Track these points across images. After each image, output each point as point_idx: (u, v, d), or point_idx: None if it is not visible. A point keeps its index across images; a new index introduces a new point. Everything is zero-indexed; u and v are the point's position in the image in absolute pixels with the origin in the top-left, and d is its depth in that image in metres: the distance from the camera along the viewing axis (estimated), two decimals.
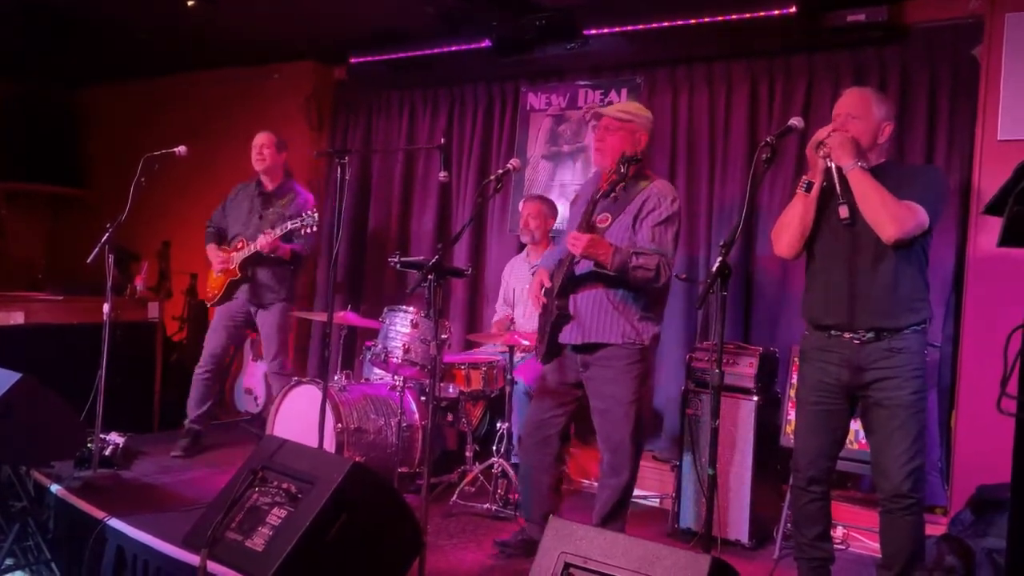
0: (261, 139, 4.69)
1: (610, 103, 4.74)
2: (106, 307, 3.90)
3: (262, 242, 4.42)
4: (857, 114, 2.76)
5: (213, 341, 4.71)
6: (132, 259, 5.59)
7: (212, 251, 4.71)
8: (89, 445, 3.92)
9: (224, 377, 4.91)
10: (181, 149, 4.50)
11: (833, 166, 2.69)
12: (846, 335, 2.75)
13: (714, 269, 2.42)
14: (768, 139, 2.51)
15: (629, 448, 3.21)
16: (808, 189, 2.76)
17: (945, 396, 3.84)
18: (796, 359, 3.64)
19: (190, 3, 4.55)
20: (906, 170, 2.85)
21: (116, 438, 4.26)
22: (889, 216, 2.61)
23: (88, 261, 4.03)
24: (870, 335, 2.71)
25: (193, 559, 2.58)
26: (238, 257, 4.56)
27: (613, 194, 3.18)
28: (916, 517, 2.74)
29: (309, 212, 4.31)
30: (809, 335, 2.90)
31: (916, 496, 2.71)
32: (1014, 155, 3.51)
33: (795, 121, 2.67)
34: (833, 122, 2.77)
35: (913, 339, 2.71)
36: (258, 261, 4.55)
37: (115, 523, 3.21)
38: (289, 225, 4.35)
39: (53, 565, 3.28)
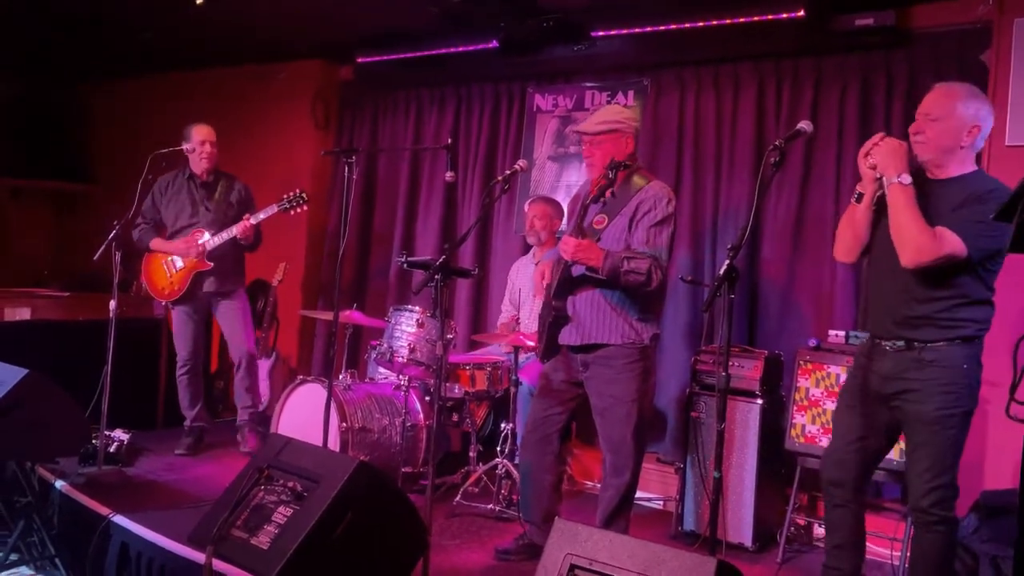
0: (207, 134, 4.60)
1: (617, 103, 4.76)
2: (112, 304, 3.91)
3: (242, 227, 4.38)
4: (937, 114, 2.57)
5: (185, 342, 4.66)
6: (139, 255, 5.60)
7: (164, 244, 4.60)
8: (94, 442, 3.93)
9: (205, 372, 4.87)
10: (188, 147, 4.52)
11: (883, 177, 2.58)
12: (883, 343, 2.69)
13: (721, 272, 2.42)
14: (777, 142, 2.51)
15: (631, 448, 3.21)
16: (859, 200, 2.70)
17: None
18: (801, 362, 3.66)
19: (199, 1, 4.55)
20: (976, 187, 2.58)
21: (121, 435, 4.26)
22: (907, 243, 2.50)
23: (95, 258, 4.04)
24: (900, 344, 2.63)
25: (198, 556, 2.58)
26: (209, 246, 4.48)
27: (603, 199, 3.19)
28: (939, 535, 2.61)
29: (297, 192, 4.28)
30: (864, 341, 2.85)
31: (939, 514, 2.59)
32: (1022, 160, 3.53)
33: (804, 125, 2.65)
34: (915, 122, 2.63)
35: (948, 351, 2.57)
36: (223, 250, 4.51)
37: (119, 520, 3.21)
38: (276, 208, 4.34)
39: (57, 561, 3.29)
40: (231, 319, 4.67)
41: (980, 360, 2.63)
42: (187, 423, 4.71)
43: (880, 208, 2.68)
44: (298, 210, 4.33)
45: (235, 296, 4.65)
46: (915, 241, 2.49)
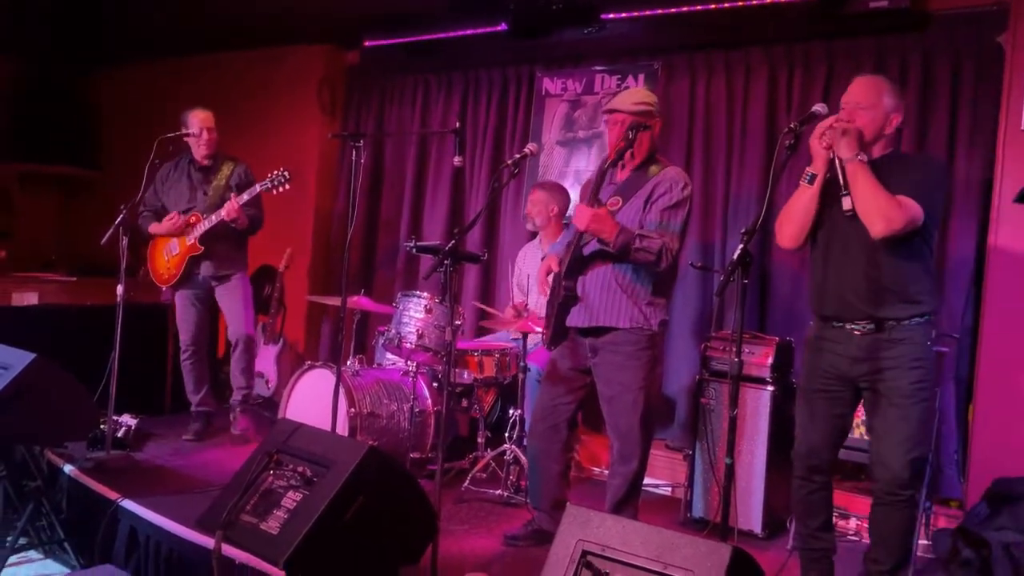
0: (204, 120, 4.56)
1: (626, 88, 4.71)
2: (119, 289, 3.89)
3: (229, 208, 4.34)
4: (866, 104, 2.71)
5: (188, 326, 4.65)
6: (145, 241, 5.58)
7: (157, 227, 4.58)
8: (102, 426, 3.93)
9: (211, 356, 4.87)
10: (187, 132, 4.50)
11: (836, 157, 2.66)
12: (847, 326, 2.73)
13: (736, 256, 2.40)
14: (792, 125, 2.50)
15: (638, 435, 3.20)
16: (811, 181, 2.74)
17: (963, 388, 3.80)
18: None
19: None
20: (906, 162, 2.81)
21: (129, 420, 4.26)
22: (878, 213, 2.58)
23: (102, 243, 4.03)
24: (871, 326, 2.69)
25: (207, 541, 2.57)
26: (199, 230, 4.46)
27: (621, 162, 3.17)
28: (911, 511, 2.72)
29: (279, 171, 4.26)
30: (814, 325, 2.89)
31: (913, 489, 2.69)
32: None
33: (819, 107, 2.66)
34: (841, 111, 2.72)
35: (915, 330, 2.69)
36: (217, 233, 4.47)
37: (128, 504, 3.20)
38: (259, 188, 4.31)
39: (66, 544, 3.29)
40: (229, 301, 4.64)
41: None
42: (193, 408, 4.71)
43: (825, 192, 2.74)
44: (281, 189, 4.28)
45: (233, 279, 4.61)
46: (884, 210, 2.58)
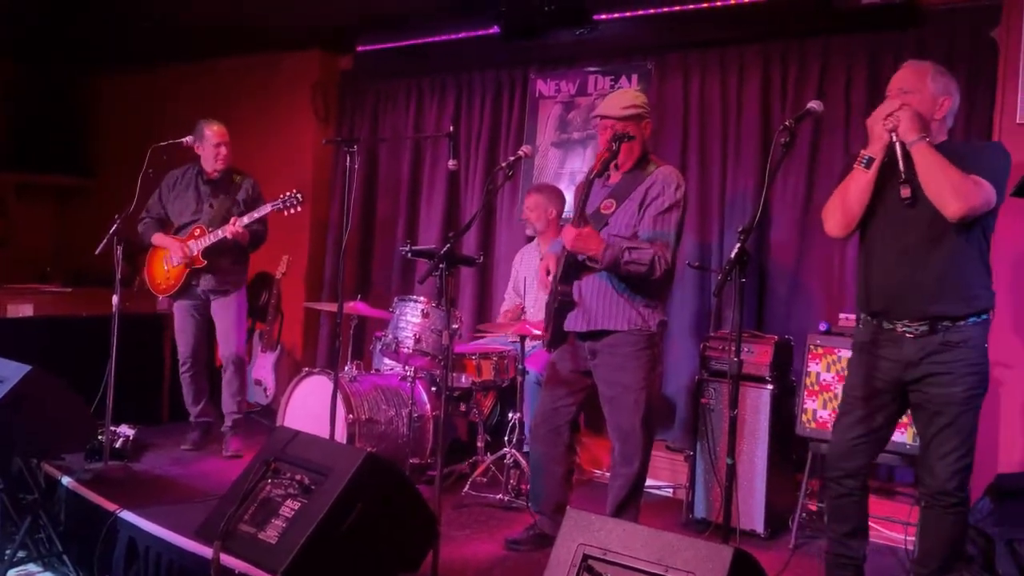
0: (220, 135, 4.51)
1: (619, 88, 4.70)
2: (115, 299, 3.88)
3: (233, 228, 4.30)
4: (910, 88, 2.61)
5: (187, 338, 4.60)
6: (141, 251, 5.57)
7: (163, 239, 4.55)
8: (99, 437, 3.91)
9: (210, 368, 4.85)
10: (188, 139, 4.47)
11: (897, 141, 2.53)
12: (899, 328, 2.61)
13: (733, 255, 2.38)
14: (787, 123, 2.46)
15: (640, 436, 3.18)
16: (868, 165, 2.60)
17: None
18: (811, 347, 3.61)
19: None
20: (968, 146, 2.72)
21: (126, 430, 4.24)
22: (953, 191, 2.44)
23: (97, 253, 4.01)
24: (923, 327, 2.56)
25: (206, 551, 2.56)
26: (200, 245, 4.42)
27: (607, 173, 3.17)
28: (959, 516, 2.62)
29: (292, 193, 4.23)
30: (862, 325, 2.75)
31: (962, 495, 2.59)
32: None
33: (814, 104, 2.59)
34: (888, 98, 2.61)
35: (972, 331, 2.56)
36: (219, 248, 4.43)
37: (127, 515, 3.19)
38: (269, 207, 4.27)
39: (65, 557, 3.27)
40: (223, 318, 4.59)
41: None
42: (192, 418, 4.68)
43: (879, 179, 2.62)
44: (292, 211, 4.26)
45: (231, 295, 4.57)
46: (959, 187, 2.45)
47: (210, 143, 4.49)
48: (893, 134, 2.54)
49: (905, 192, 2.52)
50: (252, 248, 4.58)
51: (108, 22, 5.62)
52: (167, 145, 4.30)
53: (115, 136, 7.06)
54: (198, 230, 4.47)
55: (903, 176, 2.52)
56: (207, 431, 4.68)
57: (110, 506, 3.29)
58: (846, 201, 2.68)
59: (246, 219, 4.32)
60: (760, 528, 3.58)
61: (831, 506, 2.81)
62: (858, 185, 2.65)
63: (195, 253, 4.43)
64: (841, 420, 2.80)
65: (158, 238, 4.58)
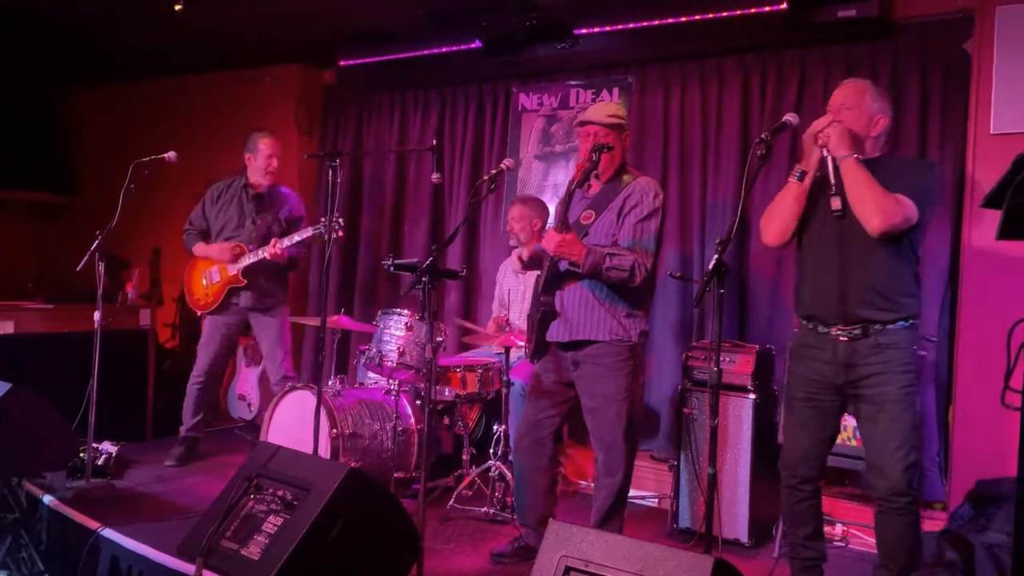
0: (272, 147, 4.51)
1: (601, 101, 4.74)
2: (97, 315, 3.86)
3: (272, 251, 4.31)
4: (850, 104, 2.75)
5: (209, 351, 4.60)
6: (123, 267, 5.52)
7: (204, 248, 4.56)
8: (81, 455, 3.89)
9: (218, 385, 4.84)
10: (171, 155, 4.45)
11: (828, 156, 2.69)
12: (833, 331, 2.74)
13: (711, 267, 2.41)
14: (763, 135, 2.51)
15: (622, 447, 3.20)
16: (801, 178, 2.76)
17: (943, 391, 3.83)
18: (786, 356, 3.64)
19: (177, 7, 4.50)
20: (899, 163, 2.87)
21: (109, 447, 4.22)
22: (876, 207, 2.60)
23: (78, 269, 3.99)
24: (857, 331, 2.70)
25: (189, 568, 2.55)
26: (243, 262, 4.44)
27: (587, 183, 3.22)
28: (914, 516, 2.71)
29: (335, 217, 4.17)
30: (799, 331, 2.89)
31: (913, 494, 2.68)
32: (1007, 149, 3.53)
33: (790, 117, 2.68)
34: (828, 113, 2.75)
35: (902, 334, 2.70)
36: (259, 267, 4.46)
37: (109, 533, 3.18)
38: (310, 231, 4.23)
39: None
40: (265, 338, 4.61)
41: None
42: (182, 431, 4.64)
43: (812, 192, 2.77)
44: (335, 235, 4.22)
45: (273, 313, 4.57)
46: (881, 204, 2.61)
47: (262, 155, 4.49)
48: (824, 149, 2.69)
49: (835, 204, 2.67)
50: (290, 268, 4.59)
51: (89, 37, 5.61)
52: (149, 161, 4.30)
53: (97, 152, 7.04)
54: (239, 248, 4.47)
55: (834, 189, 2.67)
56: (192, 447, 4.65)
57: (92, 524, 3.28)
58: (780, 212, 2.83)
59: (286, 241, 4.32)
60: (744, 537, 3.59)
61: (791, 512, 2.90)
62: (791, 197, 2.80)
63: (235, 272, 4.45)
64: (789, 427, 2.90)
65: (200, 248, 4.59)
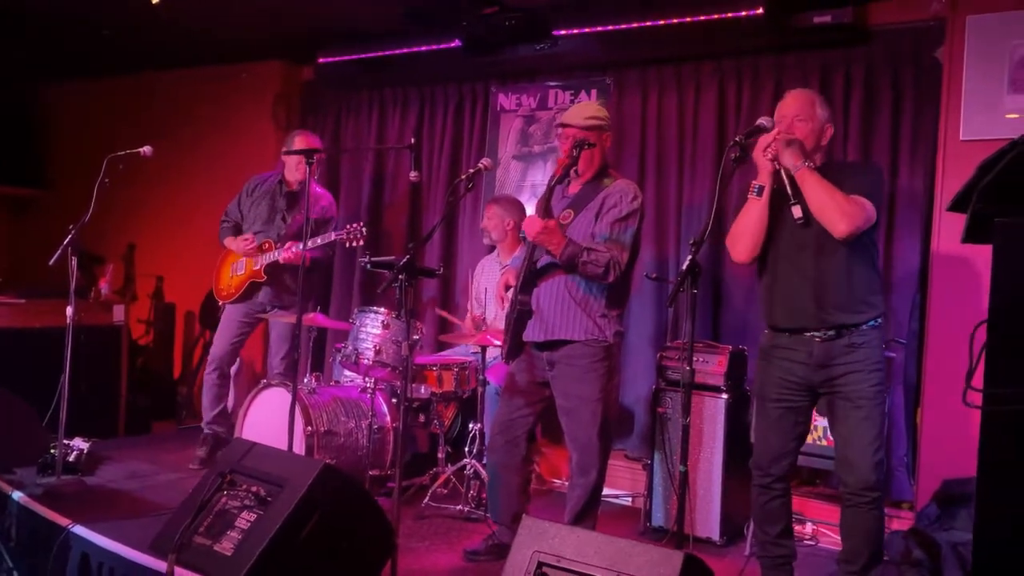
0: (312, 143, 4.45)
1: (579, 103, 4.76)
2: (69, 310, 3.82)
3: (287, 254, 4.34)
4: (803, 116, 2.82)
5: (223, 341, 4.61)
6: (96, 262, 5.47)
7: (232, 242, 4.59)
8: (52, 451, 3.85)
9: (228, 378, 4.82)
10: (146, 149, 4.41)
11: (782, 169, 2.74)
12: (807, 333, 2.79)
13: (684, 267, 2.44)
14: (737, 138, 2.56)
15: (597, 446, 3.22)
16: (759, 193, 2.81)
17: (911, 392, 3.89)
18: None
19: (154, 1, 4.47)
20: (848, 167, 2.97)
21: (80, 443, 4.16)
22: (840, 212, 2.66)
23: (50, 264, 3.95)
24: (831, 333, 2.76)
25: (160, 565, 2.54)
26: (264, 260, 4.46)
27: (568, 179, 3.24)
28: (880, 511, 2.79)
29: (358, 226, 4.16)
30: (769, 334, 2.94)
31: (880, 490, 2.76)
32: (976, 155, 3.55)
33: (764, 120, 2.73)
34: (779, 124, 2.80)
35: (872, 334, 2.78)
36: (282, 265, 4.46)
37: (79, 530, 3.14)
38: (333, 236, 4.24)
39: (16, 574, 3.21)
40: (277, 332, 4.64)
41: None
42: (204, 425, 4.61)
43: (771, 204, 2.82)
44: (355, 243, 4.18)
45: (292, 310, 4.48)
46: (844, 209, 2.68)
47: (299, 149, 4.42)
48: (775, 162, 2.74)
49: (797, 212, 2.73)
50: (313, 270, 4.58)
51: (63, 30, 5.54)
52: (124, 155, 4.26)
53: (70, 146, 6.95)
54: (267, 244, 4.48)
55: (792, 199, 2.73)
56: (217, 445, 4.52)
57: (62, 521, 3.24)
58: (746, 230, 2.87)
59: (319, 240, 4.32)
60: (716, 536, 3.63)
61: (762, 510, 2.94)
62: (755, 213, 2.85)
63: (258, 268, 4.46)
64: (761, 426, 2.96)
65: (229, 241, 4.62)
